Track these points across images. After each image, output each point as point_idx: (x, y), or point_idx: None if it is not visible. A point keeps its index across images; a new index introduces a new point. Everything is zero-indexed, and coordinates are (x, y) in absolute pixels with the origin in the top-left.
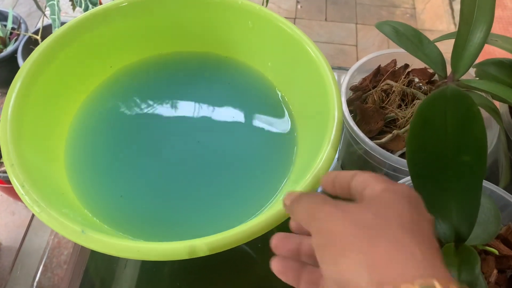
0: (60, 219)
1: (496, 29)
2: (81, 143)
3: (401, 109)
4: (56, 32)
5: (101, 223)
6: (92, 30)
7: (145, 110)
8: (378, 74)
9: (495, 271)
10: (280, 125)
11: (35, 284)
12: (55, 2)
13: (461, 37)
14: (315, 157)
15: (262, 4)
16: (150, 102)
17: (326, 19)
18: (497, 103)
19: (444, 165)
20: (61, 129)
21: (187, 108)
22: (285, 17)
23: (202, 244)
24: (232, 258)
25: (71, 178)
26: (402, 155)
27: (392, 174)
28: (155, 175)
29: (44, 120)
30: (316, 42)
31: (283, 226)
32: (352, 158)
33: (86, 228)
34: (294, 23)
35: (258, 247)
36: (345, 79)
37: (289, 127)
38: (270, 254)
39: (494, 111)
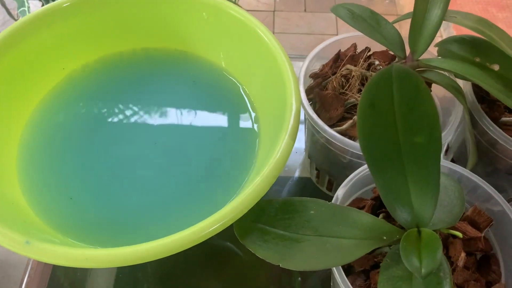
0: (0, 230)
1: (475, 9)
2: (35, 148)
3: (361, 94)
4: None
5: (54, 231)
6: (35, 33)
7: (100, 112)
8: (338, 59)
9: (463, 254)
10: (241, 118)
11: None
12: (26, 9)
13: (418, 15)
14: (274, 149)
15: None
16: (105, 103)
17: (305, 10)
18: (460, 82)
19: (397, 148)
20: (13, 136)
21: (143, 107)
22: (264, 10)
23: (157, 246)
24: (212, 254)
25: (23, 186)
26: None
27: (356, 162)
28: (110, 178)
29: None
30: (296, 33)
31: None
32: (316, 148)
33: (32, 238)
34: (273, 16)
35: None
36: (303, 66)
37: (250, 119)
38: None
39: (457, 91)
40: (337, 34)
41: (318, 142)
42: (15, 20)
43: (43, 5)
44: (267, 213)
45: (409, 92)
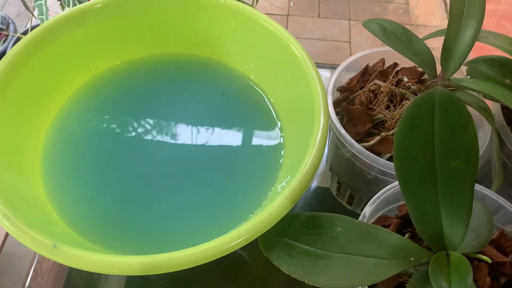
0: (30, 233)
1: (489, 23)
2: (58, 149)
3: (389, 110)
4: (29, 36)
5: (79, 236)
6: (67, 33)
7: (124, 116)
8: (366, 73)
9: (488, 279)
10: (265, 129)
11: None
12: (43, 2)
13: (451, 34)
14: (301, 162)
15: (252, 3)
16: (130, 107)
17: (319, 16)
18: (489, 103)
19: (432, 171)
20: (37, 136)
21: (168, 114)
22: (278, 14)
23: (183, 257)
24: (224, 262)
25: (46, 186)
26: (390, 158)
27: (381, 178)
28: (132, 184)
29: (18, 127)
30: (309, 39)
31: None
32: (340, 161)
33: (58, 242)
34: (287, 20)
35: (253, 249)
36: (331, 79)
37: (275, 130)
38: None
39: (486, 111)
40: (349, 42)
41: (343, 156)
42: (31, 12)
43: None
44: (293, 227)
45: (451, 117)
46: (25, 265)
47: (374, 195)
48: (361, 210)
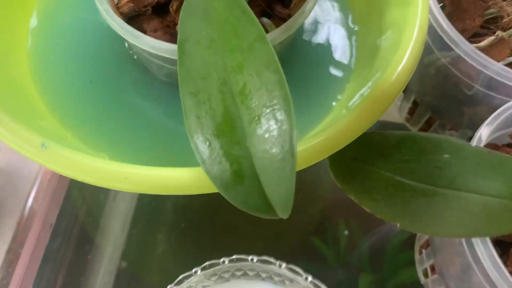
0: (11, 126)
1: None
2: (50, 29)
3: (508, 2)
4: None
5: (73, 137)
6: None
7: None
8: None
9: None
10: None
11: (27, 209)
12: None
13: None
14: (390, 57)
15: None
16: None
17: None
18: None
19: None
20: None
21: None
22: None
23: None
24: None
25: (34, 70)
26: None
27: (484, 94)
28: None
29: None
30: None
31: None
32: (426, 72)
33: (49, 140)
34: None
35: None
36: None
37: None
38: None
39: None
40: None
41: (434, 64)
42: None
43: None
44: (378, 149)
45: None
46: (27, 186)
47: (465, 119)
48: None
